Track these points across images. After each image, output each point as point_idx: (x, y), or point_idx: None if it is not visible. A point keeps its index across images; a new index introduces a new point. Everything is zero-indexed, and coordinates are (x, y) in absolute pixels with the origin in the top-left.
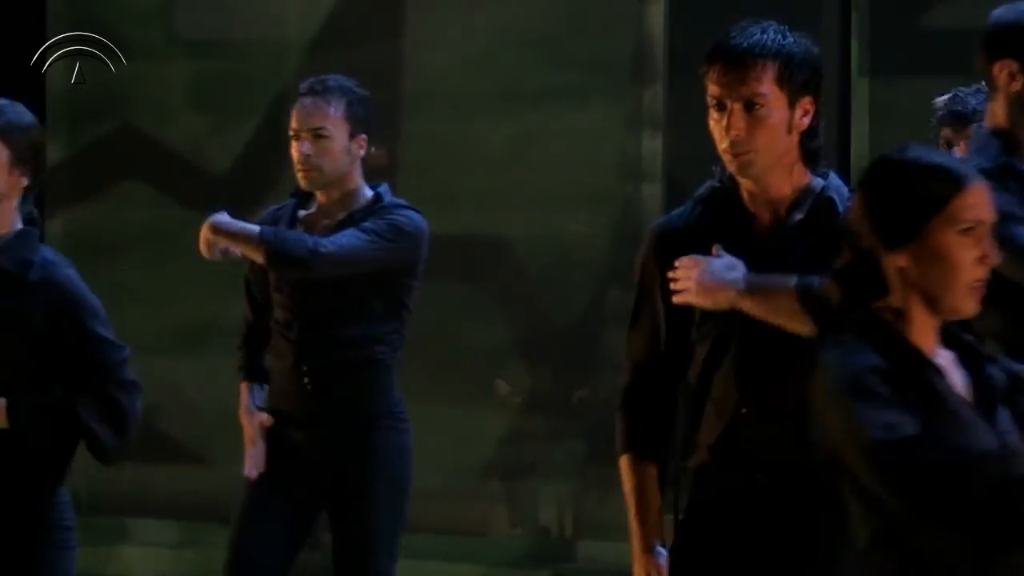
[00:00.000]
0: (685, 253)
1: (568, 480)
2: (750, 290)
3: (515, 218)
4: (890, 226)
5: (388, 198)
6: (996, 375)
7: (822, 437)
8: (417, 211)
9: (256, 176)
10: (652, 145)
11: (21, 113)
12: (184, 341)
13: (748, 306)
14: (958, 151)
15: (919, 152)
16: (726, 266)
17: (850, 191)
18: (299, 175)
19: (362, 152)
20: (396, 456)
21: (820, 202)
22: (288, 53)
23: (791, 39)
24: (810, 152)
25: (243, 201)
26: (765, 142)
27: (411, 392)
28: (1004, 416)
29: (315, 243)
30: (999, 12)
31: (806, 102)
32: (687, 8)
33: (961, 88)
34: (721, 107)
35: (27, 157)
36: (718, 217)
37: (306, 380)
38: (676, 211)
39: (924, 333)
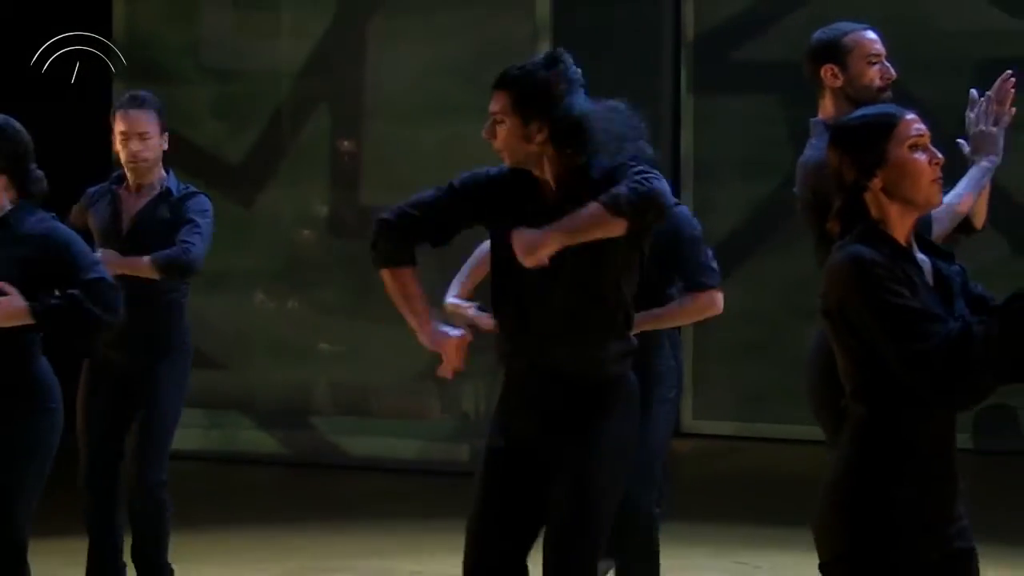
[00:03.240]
0: (499, 199)
1: (482, 378)
2: (560, 231)
3: None
4: (863, 161)
5: (177, 183)
6: (954, 272)
7: (827, 301)
8: (205, 194)
9: (260, 166)
10: None
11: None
12: (209, 283)
13: (565, 238)
14: None
15: (861, 111)
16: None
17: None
18: (130, 167)
19: (165, 146)
20: (181, 372)
21: (585, 178)
22: (282, 79)
23: (529, 76)
24: (572, 152)
25: (250, 183)
26: (505, 146)
27: (375, 317)
28: (960, 303)
29: (185, 250)
30: (820, 32)
31: (539, 123)
32: (568, 48)
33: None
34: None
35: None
36: (521, 181)
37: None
38: (496, 169)
39: (902, 238)
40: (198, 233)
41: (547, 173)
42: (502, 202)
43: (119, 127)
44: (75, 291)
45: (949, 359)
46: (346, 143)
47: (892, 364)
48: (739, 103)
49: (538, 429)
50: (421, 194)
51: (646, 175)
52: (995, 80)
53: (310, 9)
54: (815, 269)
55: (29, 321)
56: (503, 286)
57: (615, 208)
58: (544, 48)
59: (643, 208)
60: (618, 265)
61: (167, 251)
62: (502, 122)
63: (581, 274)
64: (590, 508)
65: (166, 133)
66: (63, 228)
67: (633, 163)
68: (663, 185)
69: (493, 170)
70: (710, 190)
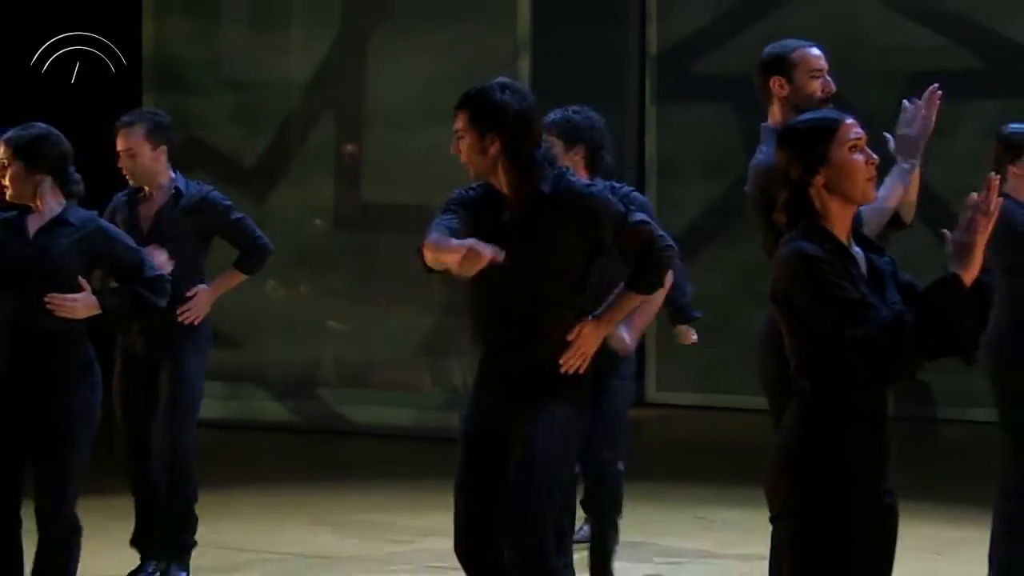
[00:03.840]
0: (476, 212)
1: (470, 356)
2: (609, 319)
3: (436, 192)
4: (807, 160)
5: (186, 182)
6: (885, 264)
7: (776, 290)
8: (215, 189)
9: (272, 167)
10: None
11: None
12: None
13: (610, 324)
14: (556, 150)
15: (806, 116)
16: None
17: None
18: (128, 177)
19: (163, 156)
20: (201, 355)
21: (538, 194)
22: (292, 89)
23: (483, 95)
24: (522, 164)
25: (263, 182)
26: (468, 159)
27: (375, 300)
28: (892, 291)
29: (262, 245)
30: (770, 46)
31: (492, 135)
32: (546, 63)
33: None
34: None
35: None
36: (490, 196)
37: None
38: (472, 188)
39: (841, 232)
40: (250, 225)
41: (504, 185)
42: (478, 218)
43: (117, 145)
44: (136, 285)
45: (883, 343)
46: (349, 146)
47: (832, 347)
48: (698, 111)
49: (501, 413)
50: (437, 221)
51: (665, 245)
52: (922, 90)
53: (317, 28)
54: (764, 259)
55: (99, 312)
56: (471, 292)
57: (649, 291)
58: (525, 64)
59: (663, 277)
60: (570, 272)
61: (249, 257)
62: (463, 137)
63: (533, 284)
64: (538, 471)
65: (163, 145)
66: (112, 226)
67: (593, 185)
68: (662, 233)
69: (470, 189)
70: (672, 189)
